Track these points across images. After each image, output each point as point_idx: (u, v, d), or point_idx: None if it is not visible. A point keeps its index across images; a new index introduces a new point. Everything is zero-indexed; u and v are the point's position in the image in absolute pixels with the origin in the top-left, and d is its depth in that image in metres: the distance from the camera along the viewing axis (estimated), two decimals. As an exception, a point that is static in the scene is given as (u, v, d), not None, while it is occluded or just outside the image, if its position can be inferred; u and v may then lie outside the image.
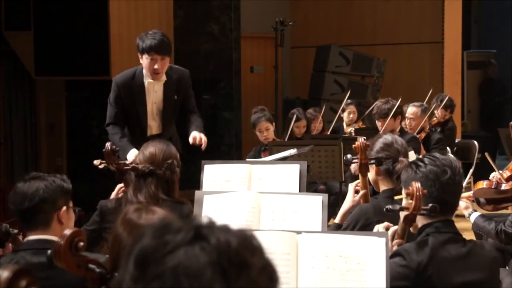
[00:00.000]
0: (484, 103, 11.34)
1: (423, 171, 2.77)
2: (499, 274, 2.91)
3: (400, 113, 6.41)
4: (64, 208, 2.83)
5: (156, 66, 4.80)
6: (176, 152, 3.54)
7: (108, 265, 2.11)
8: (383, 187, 3.48)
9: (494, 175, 4.57)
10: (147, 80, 4.91)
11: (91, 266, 2.03)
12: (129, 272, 1.19)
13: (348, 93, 8.02)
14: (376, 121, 6.38)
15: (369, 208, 3.39)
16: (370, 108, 7.63)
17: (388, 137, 3.55)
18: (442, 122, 7.81)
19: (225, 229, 1.22)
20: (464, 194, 4.29)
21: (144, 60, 4.81)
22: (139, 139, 4.77)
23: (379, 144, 3.51)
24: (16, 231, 3.15)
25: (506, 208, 4.52)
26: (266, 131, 6.36)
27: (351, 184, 3.64)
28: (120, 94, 4.90)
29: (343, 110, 8.02)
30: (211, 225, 1.22)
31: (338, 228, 3.48)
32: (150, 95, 4.96)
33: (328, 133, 7.58)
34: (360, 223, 3.33)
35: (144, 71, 4.88)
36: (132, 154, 4.50)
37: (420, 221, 2.78)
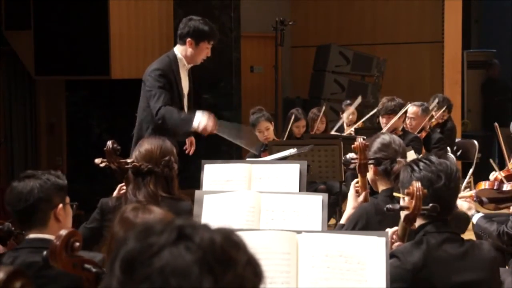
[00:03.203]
0: (486, 103, 11.35)
1: (417, 176, 2.78)
2: (500, 274, 2.90)
3: (404, 112, 6.40)
4: (61, 205, 2.82)
5: (209, 54, 5.07)
6: (172, 147, 3.54)
7: (105, 264, 2.11)
8: (381, 187, 3.48)
9: (495, 175, 4.56)
10: (184, 67, 5.08)
11: (87, 266, 2.03)
12: (116, 277, 1.20)
13: (358, 99, 7.95)
14: (380, 118, 6.37)
15: (370, 208, 3.39)
16: (373, 112, 7.58)
17: (386, 137, 3.55)
18: (441, 122, 7.80)
19: (207, 227, 1.23)
20: (466, 194, 4.29)
21: (203, 47, 5.01)
22: None
23: (377, 144, 3.50)
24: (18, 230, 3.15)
25: (508, 207, 4.51)
26: (266, 131, 6.37)
27: (352, 184, 3.64)
28: (170, 80, 4.98)
29: (342, 111, 8.03)
30: (193, 224, 1.23)
31: (342, 228, 3.48)
32: (183, 81, 5.13)
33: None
34: (361, 222, 3.33)
35: (189, 57, 5.04)
36: (198, 120, 4.77)
37: (418, 221, 2.78)
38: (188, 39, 4.98)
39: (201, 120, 4.79)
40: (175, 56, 5.05)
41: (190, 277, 1.16)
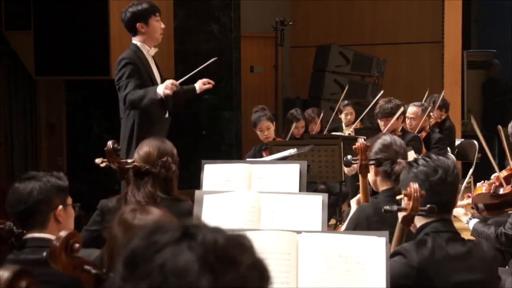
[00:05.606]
0: (486, 103, 11.35)
1: (414, 171, 2.79)
2: (498, 272, 2.91)
3: (403, 113, 6.40)
4: (61, 207, 2.82)
5: (163, 26, 5.08)
6: (172, 148, 3.53)
7: (103, 262, 2.11)
8: (382, 187, 3.49)
9: (496, 174, 4.56)
10: (149, 53, 5.08)
11: (87, 267, 2.03)
12: (118, 273, 1.22)
13: (343, 93, 8.01)
14: (379, 120, 6.36)
15: (369, 208, 3.39)
16: (368, 108, 7.62)
17: (387, 138, 3.55)
18: (439, 122, 7.81)
19: (215, 229, 1.24)
20: (463, 202, 4.30)
21: (154, 22, 5.04)
22: (160, 114, 5.01)
23: (377, 145, 3.51)
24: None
25: (506, 213, 4.50)
26: (267, 130, 6.38)
27: (352, 201, 3.67)
28: (137, 66, 4.99)
29: (340, 112, 8.02)
30: (199, 224, 1.25)
31: None
32: (153, 67, 5.13)
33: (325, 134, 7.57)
34: (361, 224, 3.32)
35: (148, 39, 5.05)
36: (161, 88, 4.80)
37: (419, 221, 2.78)
38: (138, 25, 5.05)
39: (162, 84, 4.87)
40: (135, 45, 5.10)
41: (189, 274, 1.17)
